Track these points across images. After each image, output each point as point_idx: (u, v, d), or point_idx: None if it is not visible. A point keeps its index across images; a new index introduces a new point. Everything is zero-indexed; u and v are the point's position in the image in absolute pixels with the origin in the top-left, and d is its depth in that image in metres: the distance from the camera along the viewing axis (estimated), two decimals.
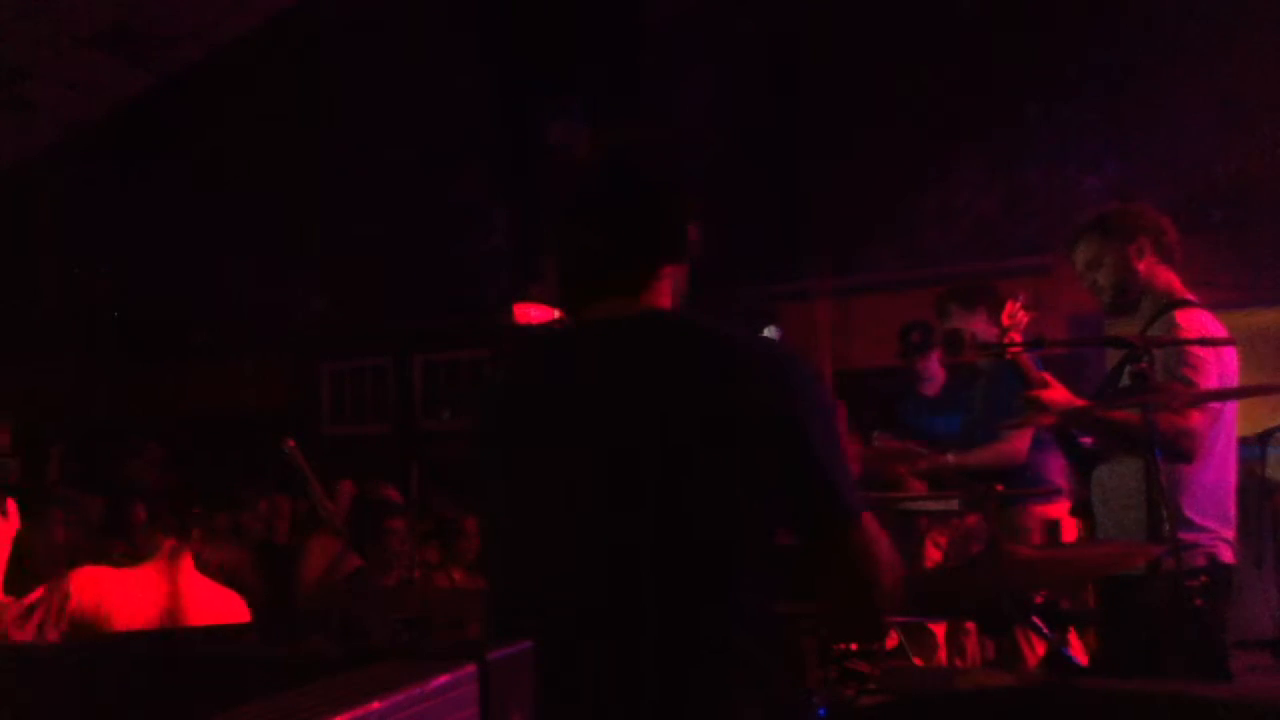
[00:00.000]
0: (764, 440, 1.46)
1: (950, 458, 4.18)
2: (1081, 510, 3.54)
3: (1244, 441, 3.22)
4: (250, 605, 4.54)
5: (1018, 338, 3.32)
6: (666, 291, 1.64)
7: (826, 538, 1.52)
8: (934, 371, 4.86)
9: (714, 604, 1.47)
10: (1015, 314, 3.37)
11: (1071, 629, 3.77)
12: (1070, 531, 4.10)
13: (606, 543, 1.49)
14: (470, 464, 1.67)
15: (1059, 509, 4.17)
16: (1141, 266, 3.01)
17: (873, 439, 4.70)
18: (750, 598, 1.49)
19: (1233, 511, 2.93)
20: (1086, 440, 3.18)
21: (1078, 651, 3.73)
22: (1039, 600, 3.09)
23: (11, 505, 2.71)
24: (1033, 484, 4.09)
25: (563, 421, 1.55)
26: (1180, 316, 2.89)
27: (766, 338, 1.62)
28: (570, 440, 1.53)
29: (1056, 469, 4.21)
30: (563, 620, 1.48)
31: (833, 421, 1.54)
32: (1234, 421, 2.95)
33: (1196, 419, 2.75)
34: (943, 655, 3.98)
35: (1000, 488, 3.92)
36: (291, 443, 4.02)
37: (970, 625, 3.91)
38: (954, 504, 4.37)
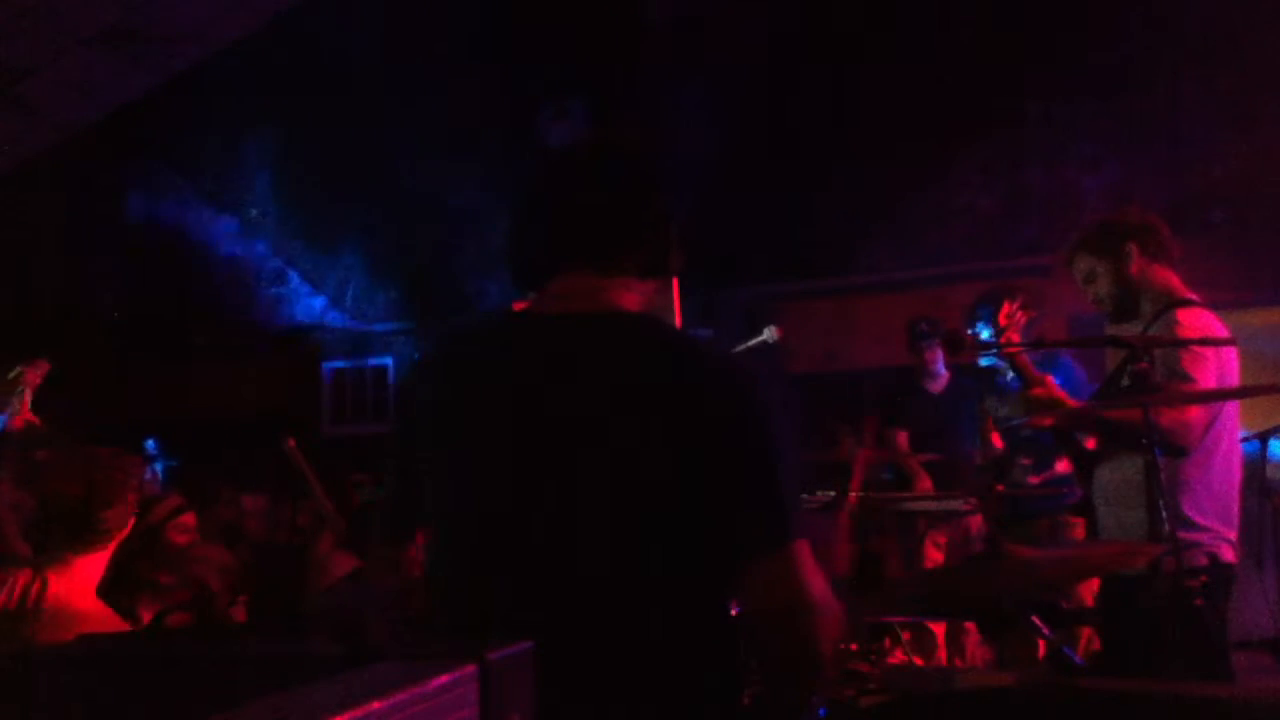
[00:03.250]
0: (709, 446, 1.44)
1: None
2: (1082, 510, 3.53)
3: (1244, 441, 3.23)
4: (248, 604, 4.53)
5: (1016, 337, 3.32)
6: (633, 293, 1.61)
7: (757, 555, 1.45)
8: (939, 368, 4.88)
9: (667, 603, 1.46)
10: (1013, 314, 3.37)
11: (1071, 629, 3.77)
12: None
13: (545, 541, 1.48)
14: (411, 455, 1.63)
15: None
16: (1134, 271, 3.01)
17: (890, 436, 4.72)
18: (706, 597, 1.49)
19: (1235, 511, 2.93)
20: (1088, 440, 3.18)
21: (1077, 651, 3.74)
22: (1039, 600, 3.10)
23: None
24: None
25: (526, 415, 1.53)
26: (1181, 315, 2.90)
27: (721, 349, 1.58)
28: (534, 434, 1.51)
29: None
30: (507, 616, 1.47)
31: (782, 439, 1.48)
32: (1235, 421, 2.95)
33: (1192, 413, 2.75)
34: (942, 655, 3.98)
35: (1000, 488, 3.94)
36: (292, 443, 4.02)
37: (970, 625, 3.92)
38: (955, 504, 4.38)
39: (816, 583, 1.45)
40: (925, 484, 4.63)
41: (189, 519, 4.08)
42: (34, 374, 3.77)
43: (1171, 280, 3.04)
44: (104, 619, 2.50)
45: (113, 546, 2.58)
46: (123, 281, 8.34)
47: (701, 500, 1.44)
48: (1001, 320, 3.36)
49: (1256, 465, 4.14)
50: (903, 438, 4.87)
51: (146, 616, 3.26)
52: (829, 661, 1.51)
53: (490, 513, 1.53)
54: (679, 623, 1.47)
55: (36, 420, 3.92)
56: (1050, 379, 3.07)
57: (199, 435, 7.42)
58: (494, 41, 7.15)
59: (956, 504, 4.36)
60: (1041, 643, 3.76)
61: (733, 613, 1.57)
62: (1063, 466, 4.26)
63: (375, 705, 0.65)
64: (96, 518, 2.47)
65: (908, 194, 6.61)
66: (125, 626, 2.67)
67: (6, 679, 0.89)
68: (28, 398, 3.73)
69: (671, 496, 1.44)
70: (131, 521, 2.60)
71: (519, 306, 1.81)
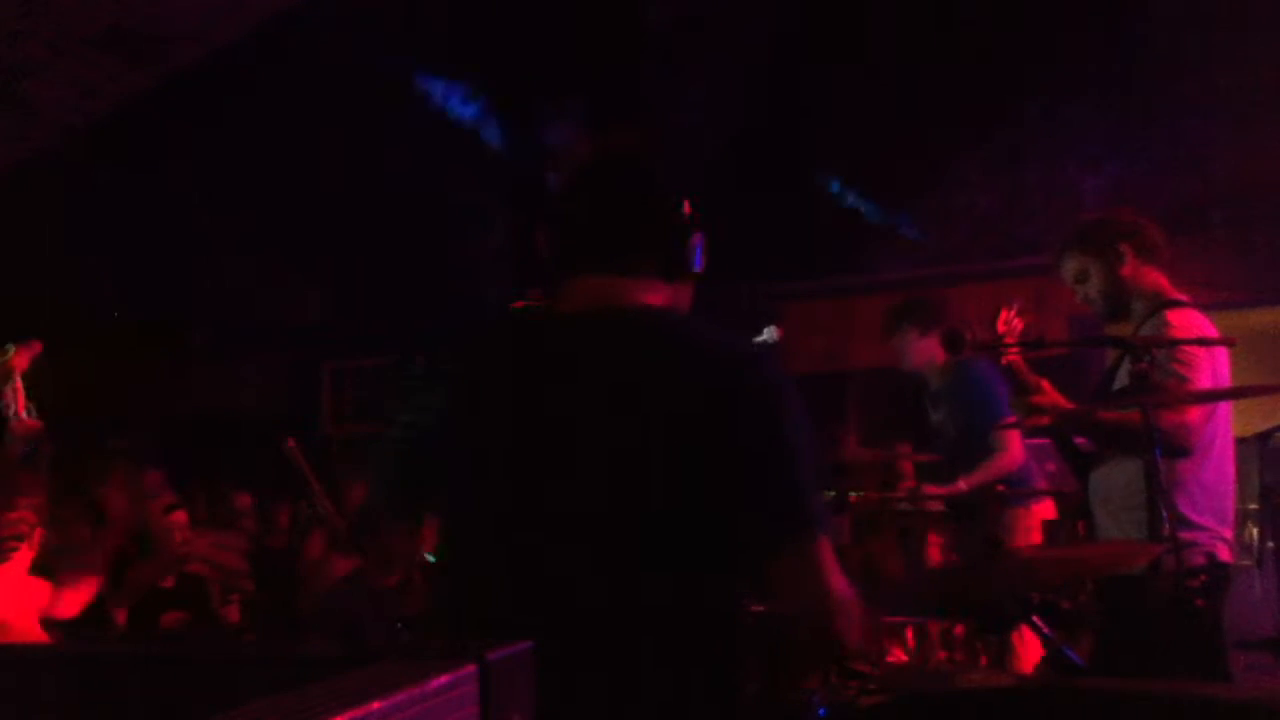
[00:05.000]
0: (713, 444, 1.43)
1: (963, 484, 4.15)
2: (1081, 512, 3.54)
3: (1243, 441, 3.23)
4: (245, 603, 4.53)
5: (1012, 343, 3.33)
6: (656, 293, 1.61)
7: (779, 546, 1.46)
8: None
9: (667, 602, 1.46)
10: (1010, 321, 3.38)
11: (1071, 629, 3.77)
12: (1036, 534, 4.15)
13: (562, 537, 1.48)
14: (429, 450, 1.63)
15: (1046, 509, 4.22)
16: (1126, 272, 3.02)
17: (894, 449, 4.70)
18: (706, 596, 1.48)
19: (1231, 511, 2.93)
20: (1082, 442, 3.18)
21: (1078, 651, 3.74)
22: (1039, 600, 3.09)
23: None
24: (1017, 486, 4.14)
25: (527, 413, 1.53)
26: (1171, 316, 2.91)
27: (739, 339, 1.59)
28: (535, 432, 1.52)
29: (1037, 471, 4.25)
30: (525, 615, 1.46)
31: (796, 430, 1.48)
32: (1229, 420, 2.96)
33: (1191, 413, 2.76)
34: (942, 655, 3.98)
35: (1001, 488, 3.94)
36: (291, 443, 4.02)
37: (969, 625, 3.92)
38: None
39: (838, 581, 1.45)
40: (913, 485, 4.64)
41: (180, 516, 4.08)
42: (23, 356, 3.57)
43: (1161, 281, 3.05)
44: (28, 628, 2.49)
45: (22, 559, 2.56)
46: (123, 281, 8.34)
47: (704, 498, 1.43)
48: (999, 328, 3.37)
49: (1256, 465, 4.15)
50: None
51: (121, 618, 3.26)
52: (849, 643, 1.52)
53: (491, 512, 1.53)
54: (679, 622, 1.47)
55: (27, 414, 3.76)
56: (1046, 383, 3.07)
57: (199, 435, 7.42)
58: (494, 40, 7.15)
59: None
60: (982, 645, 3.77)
61: (734, 611, 1.56)
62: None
63: (375, 705, 0.65)
64: None
65: (908, 194, 6.61)
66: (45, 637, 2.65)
67: (6, 678, 0.89)
68: (19, 384, 3.58)
69: (672, 495, 1.44)
70: (39, 532, 2.59)
71: (518, 306, 1.81)
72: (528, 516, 1.49)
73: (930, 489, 4.26)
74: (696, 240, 1.65)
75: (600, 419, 1.47)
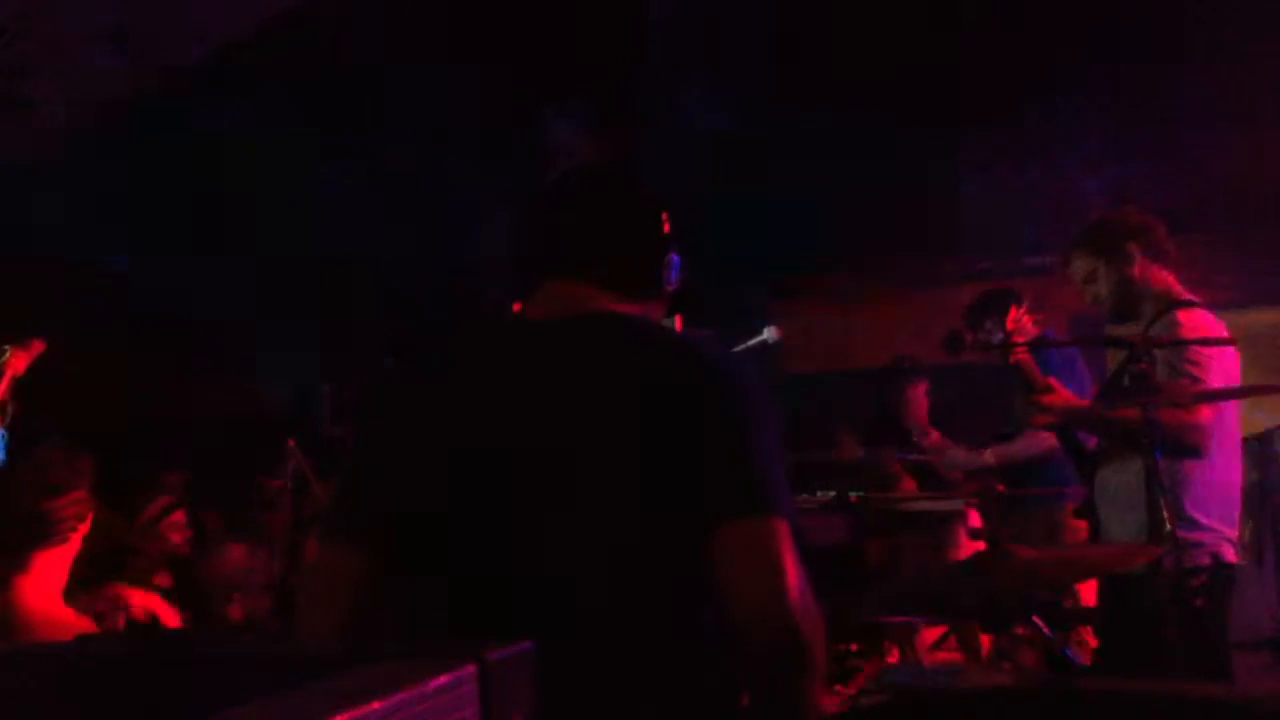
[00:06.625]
0: (690, 442, 1.43)
1: (989, 455, 4.14)
2: (1085, 511, 3.55)
3: (1244, 441, 3.23)
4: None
5: (1021, 341, 3.33)
6: (622, 303, 1.62)
7: (734, 523, 1.39)
8: (918, 403, 4.87)
9: (647, 612, 1.45)
10: (1020, 319, 3.37)
11: (1073, 629, 3.78)
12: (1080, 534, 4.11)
13: (538, 546, 1.47)
14: (393, 459, 1.60)
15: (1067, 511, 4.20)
16: (1135, 272, 3.02)
17: (892, 450, 4.71)
18: (685, 606, 1.47)
19: (1237, 511, 2.94)
20: (1090, 441, 3.18)
21: (1078, 651, 3.74)
22: (1039, 600, 3.10)
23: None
24: (1054, 485, 4.11)
25: (491, 420, 1.53)
26: (1182, 316, 2.91)
27: (708, 342, 1.59)
28: (503, 439, 1.51)
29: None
30: (501, 623, 1.45)
31: (765, 429, 1.46)
32: (1237, 421, 2.96)
33: (1204, 414, 2.76)
34: (943, 655, 3.99)
35: (1001, 488, 3.94)
36: (291, 443, 4.02)
37: (969, 626, 3.92)
38: (956, 504, 4.38)
39: (792, 566, 1.37)
40: (909, 486, 4.65)
41: (180, 516, 4.08)
42: (21, 357, 3.56)
43: (1171, 281, 3.05)
44: (67, 623, 2.45)
45: (75, 542, 2.53)
46: (123, 281, 8.34)
47: (683, 501, 1.43)
48: (1009, 325, 3.37)
49: (1257, 465, 4.15)
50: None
51: (121, 620, 3.24)
52: (814, 656, 1.37)
53: (471, 520, 1.52)
54: (677, 624, 1.47)
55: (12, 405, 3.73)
56: (1055, 381, 3.08)
57: (198, 436, 7.41)
58: (495, 40, 7.15)
59: (957, 505, 4.37)
60: (986, 640, 3.76)
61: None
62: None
63: (375, 705, 0.65)
64: (47, 509, 2.43)
65: (908, 194, 6.61)
66: (88, 630, 2.61)
67: (5, 679, 0.89)
68: (6, 382, 3.57)
69: (652, 499, 1.44)
70: (90, 516, 2.56)
71: (520, 306, 1.82)
72: (509, 524, 1.49)
73: (957, 453, 4.25)
74: (671, 259, 1.67)
75: (579, 426, 1.48)
